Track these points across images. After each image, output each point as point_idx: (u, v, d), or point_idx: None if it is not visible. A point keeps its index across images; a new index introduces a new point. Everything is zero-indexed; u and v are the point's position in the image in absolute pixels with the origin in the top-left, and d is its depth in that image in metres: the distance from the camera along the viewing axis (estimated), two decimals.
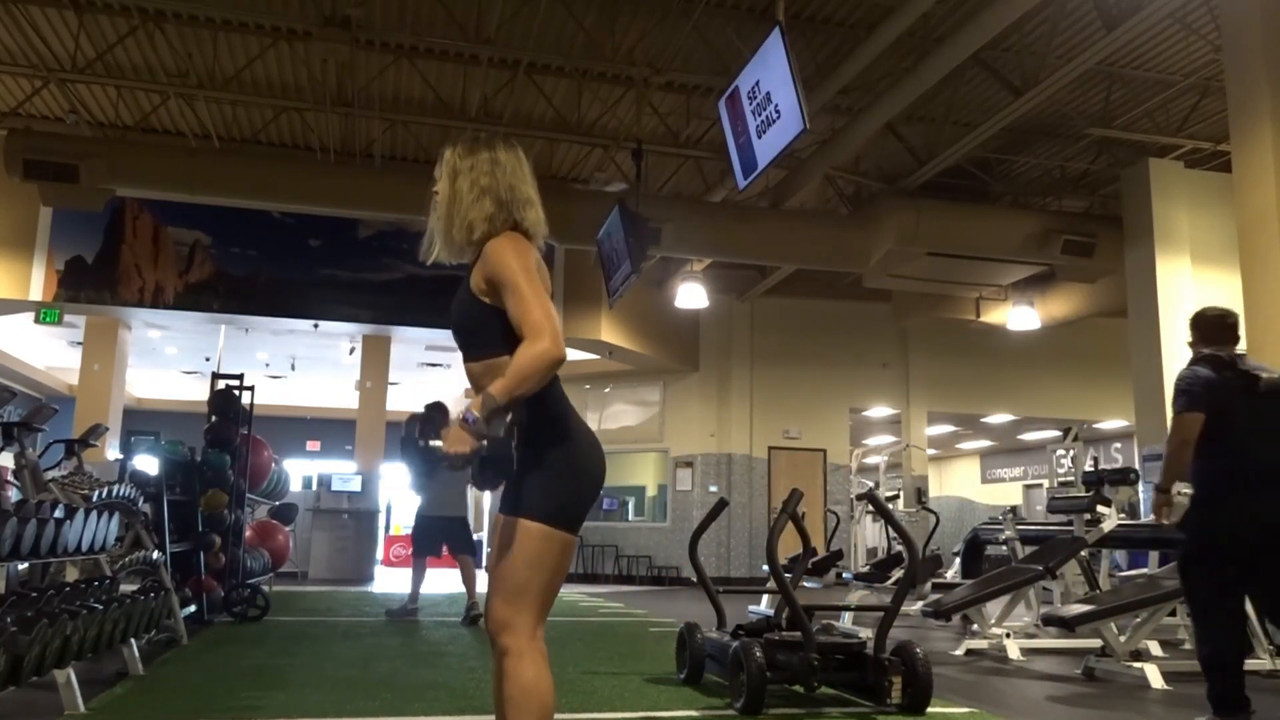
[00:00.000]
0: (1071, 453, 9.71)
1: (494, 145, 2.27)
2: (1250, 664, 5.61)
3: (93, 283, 11.16)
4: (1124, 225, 10.45)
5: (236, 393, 7.92)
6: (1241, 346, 4.19)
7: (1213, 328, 4.17)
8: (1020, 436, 20.21)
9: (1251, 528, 3.62)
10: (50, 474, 5.84)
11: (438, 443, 1.98)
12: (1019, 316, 13.15)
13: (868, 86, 9.08)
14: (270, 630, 6.78)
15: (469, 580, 7.71)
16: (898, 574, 7.95)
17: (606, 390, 15.70)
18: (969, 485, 23.68)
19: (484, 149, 2.25)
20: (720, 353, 14.91)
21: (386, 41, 8.88)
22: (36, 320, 11.49)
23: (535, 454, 2.09)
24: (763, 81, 7.01)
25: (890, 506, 5.81)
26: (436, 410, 7.35)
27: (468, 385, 2.29)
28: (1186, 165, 10.42)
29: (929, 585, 8.18)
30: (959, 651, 6.38)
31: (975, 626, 6.71)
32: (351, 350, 14.12)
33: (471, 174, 2.22)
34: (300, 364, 16.59)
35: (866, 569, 8.48)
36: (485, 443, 1.94)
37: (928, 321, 14.55)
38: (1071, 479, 9.48)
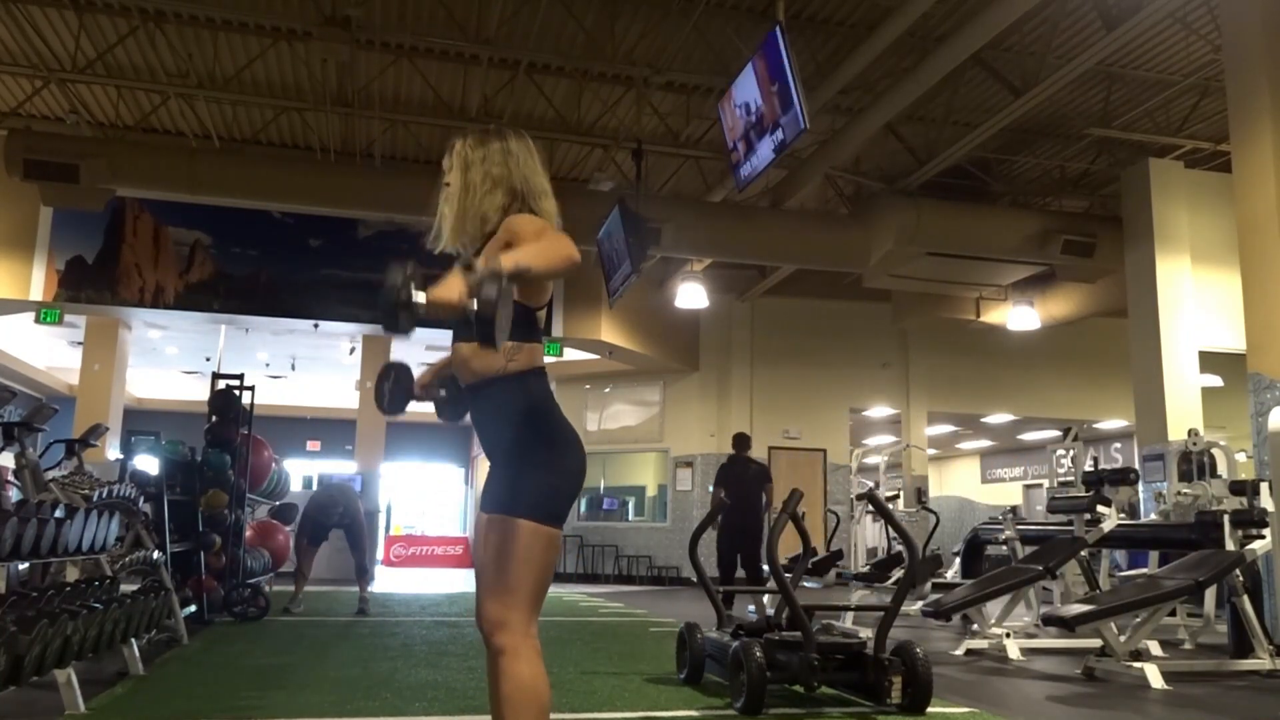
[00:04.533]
0: (1071, 453, 9.71)
1: (505, 135, 2.27)
2: (1250, 664, 5.63)
3: (93, 283, 11.16)
4: (1124, 225, 10.45)
5: (237, 393, 7.92)
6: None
7: (737, 442, 9.11)
8: (1020, 436, 20.21)
9: (738, 528, 8.70)
10: (50, 474, 5.84)
11: (421, 296, 1.79)
12: (1019, 316, 13.15)
13: (868, 86, 9.08)
14: (270, 630, 6.78)
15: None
16: (898, 574, 7.95)
17: (606, 390, 15.69)
18: (969, 485, 23.67)
19: (495, 139, 2.25)
20: (720, 353, 14.91)
21: (386, 41, 8.88)
22: (37, 320, 11.48)
23: (519, 450, 2.08)
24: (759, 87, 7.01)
25: (890, 506, 5.81)
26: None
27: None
28: (1186, 165, 10.42)
29: (929, 585, 8.18)
30: (959, 651, 6.38)
31: (975, 626, 6.70)
32: (351, 350, 14.12)
33: (484, 165, 2.22)
34: (300, 364, 16.58)
35: (866, 569, 8.48)
36: (475, 302, 1.74)
37: (928, 321, 14.54)
38: (1071, 479, 9.47)
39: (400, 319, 1.79)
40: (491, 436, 2.15)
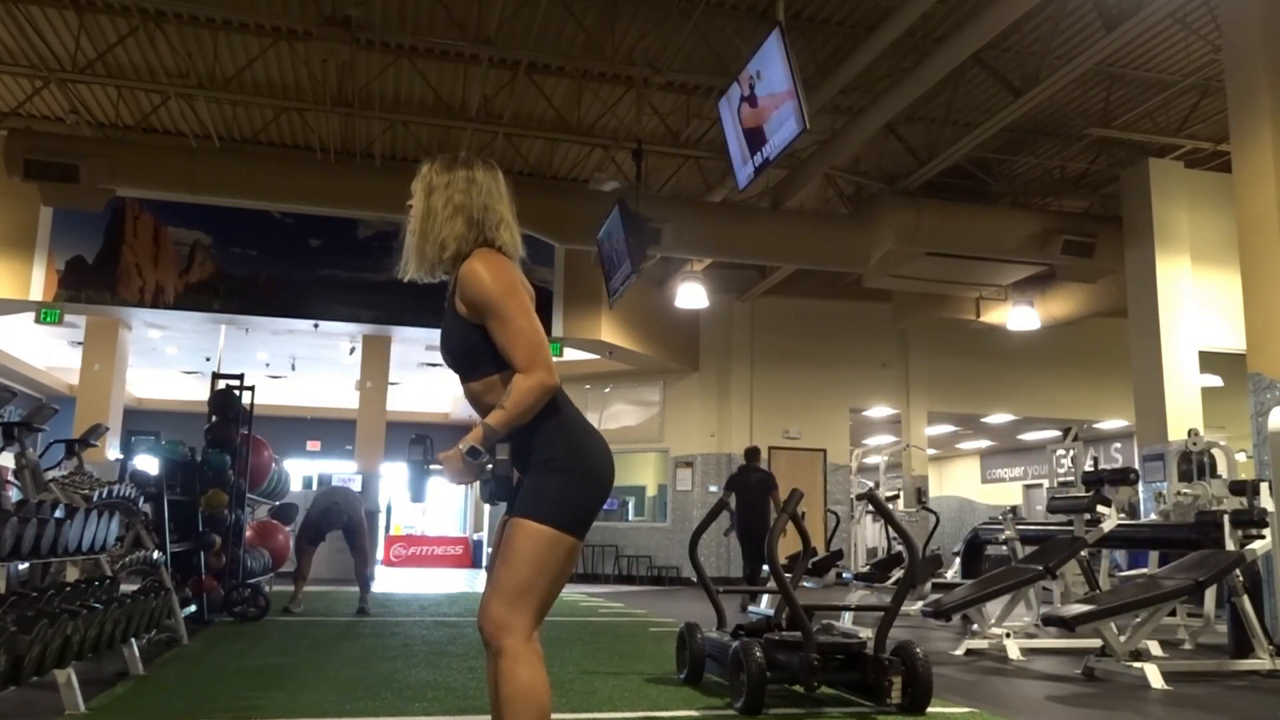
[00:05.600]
0: (1071, 453, 9.71)
1: (472, 164, 2.27)
2: (1250, 664, 5.63)
3: (93, 283, 11.16)
4: (1124, 225, 10.45)
5: (237, 393, 7.92)
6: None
7: (748, 454, 10.39)
8: (1020, 436, 20.21)
9: (745, 531, 9.83)
10: (51, 474, 5.84)
11: (439, 467, 2.13)
12: (1019, 316, 13.15)
13: (868, 86, 9.08)
14: (270, 630, 6.78)
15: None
16: (898, 574, 7.95)
17: (606, 390, 15.69)
18: (969, 485, 23.68)
19: (461, 167, 2.26)
20: (720, 353, 14.91)
21: (386, 41, 8.88)
22: (37, 320, 11.47)
23: (544, 457, 2.09)
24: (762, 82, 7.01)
25: (890, 506, 5.81)
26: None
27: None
28: (1186, 165, 10.42)
29: (929, 585, 8.18)
30: (959, 651, 6.38)
31: (975, 626, 6.71)
32: (351, 350, 14.11)
33: (447, 191, 2.23)
34: (300, 364, 16.58)
35: (866, 569, 8.48)
36: (490, 466, 2.08)
37: (928, 321, 14.55)
38: (1071, 479, 9.47)
39: (424, 491, 2.19)
40: (514, 447, 2.16)
